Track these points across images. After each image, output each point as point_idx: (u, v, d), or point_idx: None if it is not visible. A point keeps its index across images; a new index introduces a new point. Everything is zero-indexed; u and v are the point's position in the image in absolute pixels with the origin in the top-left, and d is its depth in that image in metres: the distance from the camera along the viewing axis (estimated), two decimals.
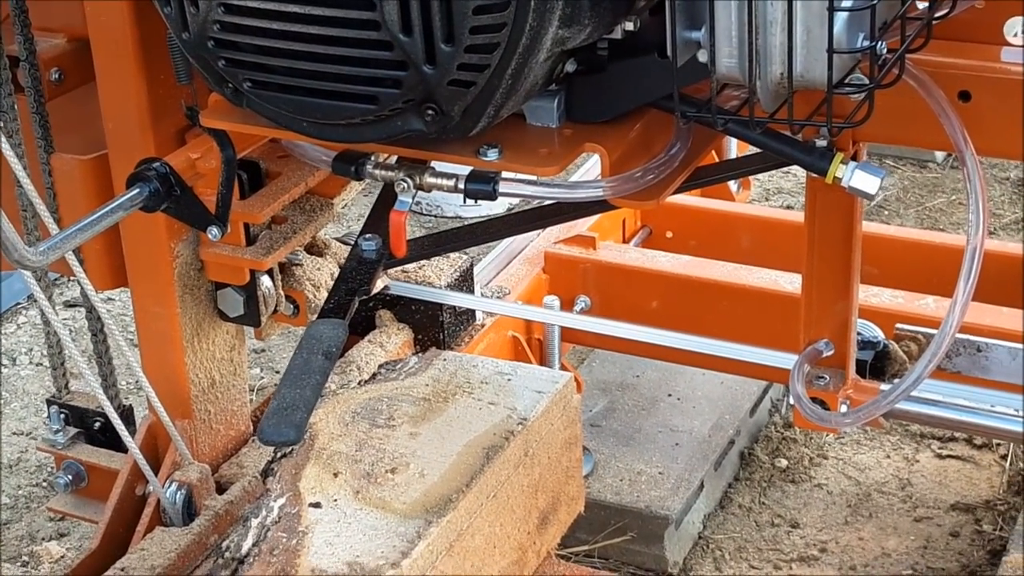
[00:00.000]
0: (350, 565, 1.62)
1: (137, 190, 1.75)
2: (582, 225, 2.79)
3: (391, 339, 2.37)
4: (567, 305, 2.71)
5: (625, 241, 2.99)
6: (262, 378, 3.37)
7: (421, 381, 1.92)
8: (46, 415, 2.96)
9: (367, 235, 1.65)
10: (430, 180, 1.59)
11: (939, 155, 4.27)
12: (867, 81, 1.45)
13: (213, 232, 1.83)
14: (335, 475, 1.75)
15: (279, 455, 1.79)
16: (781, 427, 3.11)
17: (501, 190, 1.56)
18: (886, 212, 4.05)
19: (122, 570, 1.96)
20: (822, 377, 1.91)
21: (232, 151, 1.79)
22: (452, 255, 2.42)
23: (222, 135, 1.78)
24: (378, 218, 1.69)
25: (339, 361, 2.29)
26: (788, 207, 4.04)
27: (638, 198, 1.57)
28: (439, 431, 1.83)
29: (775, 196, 4.19)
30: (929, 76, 1.61)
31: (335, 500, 1.72)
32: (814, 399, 1.88)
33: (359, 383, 2.13)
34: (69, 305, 3.68)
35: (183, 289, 2.05)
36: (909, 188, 4.16)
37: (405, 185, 1.58)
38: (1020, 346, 2.03)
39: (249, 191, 1.99)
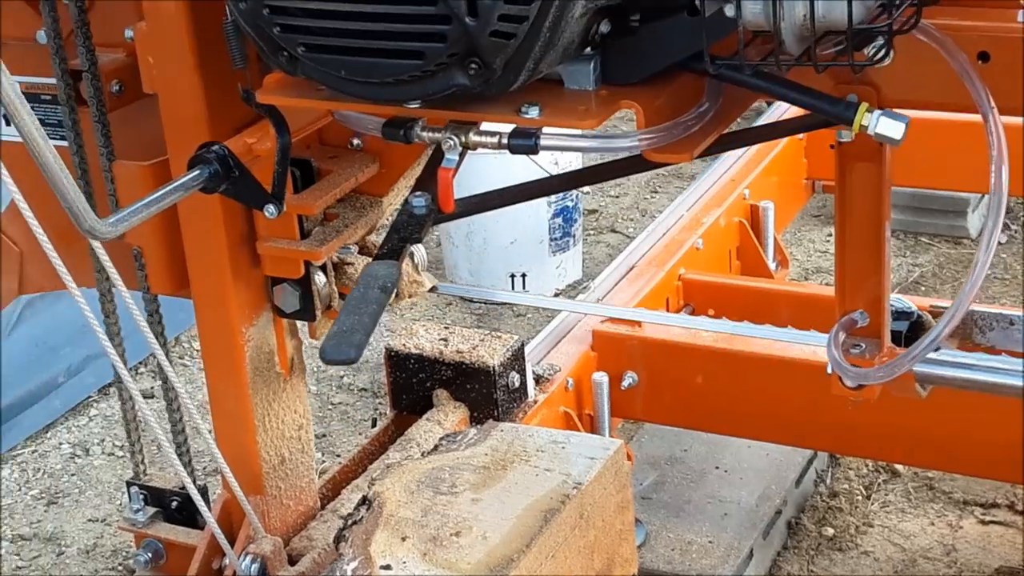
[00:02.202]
0: None
1: (198, 171, 1.82)
2: (628, 304, 2.95)
3: (448, 417, 2.49)
4: (615, 382, 2.82)
5: None
6: (323, 461, 3.47)
7: (480, 451, 2.05)
8: (126, 496, 3.10)
9: (417, 192, 1.71)
10: (475, 138, 1.65)
11: (972, 231, 4.34)
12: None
13: (270, 210, 1.89)
14: (403, 539, 1.86)
15: (350, 522, 1.91)
16: (827, 496, 3.19)
17: (543, 143, 1.62)
18: (923, 288, 4.14)
19: None
20: (858, 345, 1.95)
21: (287, 132, 1.85)
22: (504, 336, 2.55)
23: (278, 117, 1.84)
24: (427, 177, 1.76)
25: (399, 438, 2.44)
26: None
27: (671, 150, 1.62)
28: (499, 496, 1.94)
29: (814, 275, 4.27)
30: (949, 38, 1.66)
31: (404, 562, 1.82)
32: None
33: (422, 454, 2.23)
34: (145, 396, 3.81)
35: (254, 371, 2.13)
36: (944, 264, 4.25)
37: (452, 143, 1.65)
38: None
39: (302, 187, 2.06)
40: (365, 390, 3.91)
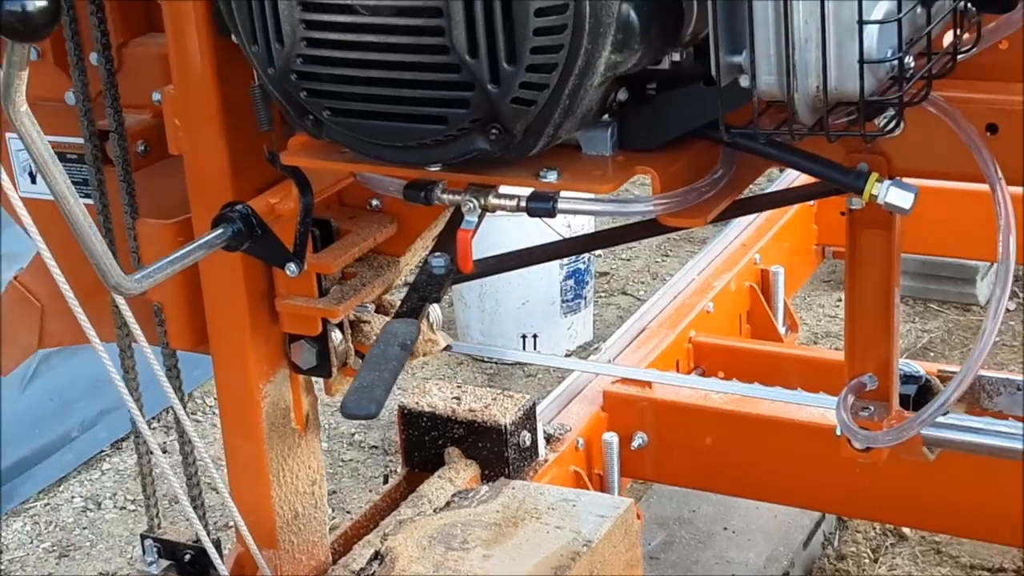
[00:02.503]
0: None
1: (221, 229, 1.86)
2: (639, 365, 2.99)
3: (459, 474, 2.50)
4: (625, 442, 2.86)
5: None
6: (334, 517, 3.50)
7: (492, 508, 2.10)
8: (137, 550, 3.14)
9: (436, 253, 1.75)
10: (494, 201, 1.69)
11: (981, 298, 4.39)
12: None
13: (291, 268, 1.93)
14: None
15: None
16: (834, 559, 3.22)
17: (560, 207, 1.66)
18: (932, 354, 4.18)
19: None
20: (867, 408, 1.98)
21: (310, 193, 1.90)
22: (516, 395, 2.58)
23: (302, 178, 1.88)
24: (446, 238, 1.80)
25: (411, 495, 2.45)
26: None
27: (686, 215, 1.66)
28: (510, 553, 1.98)
29: (823, 339, 4.31)
30: (958, 110, 1.71)
31: None
32: None
33: (434, 510, 2.26)
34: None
35: (270, 427, 2.16)
36: (953, 331, 4.29)
37: (472, 205, 1.69)
38: None
39: (321, 246, 2.10)
40: (376, 447, 3.95)
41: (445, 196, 1.72)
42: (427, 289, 1.70)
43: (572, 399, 2.93)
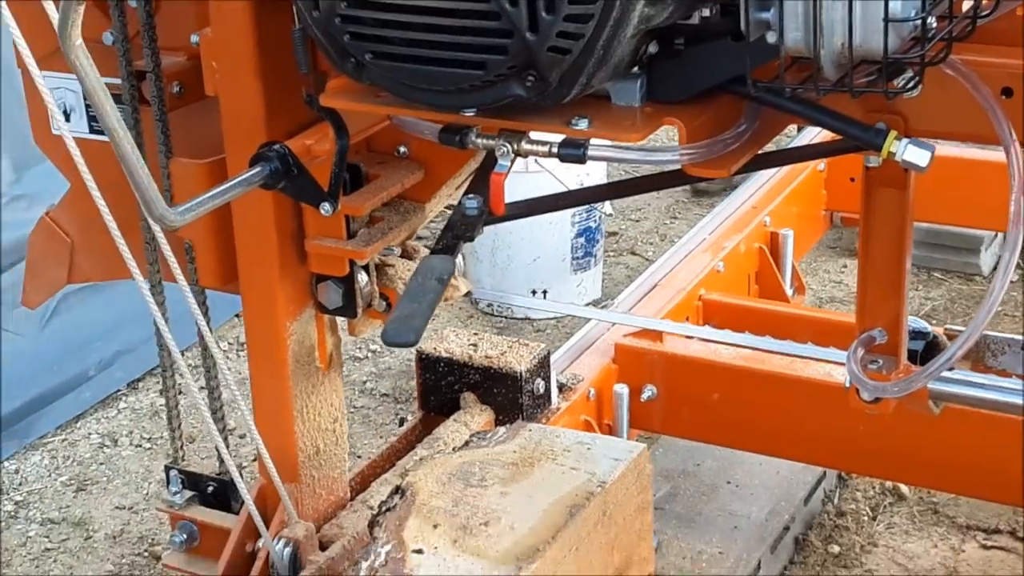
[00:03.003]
0: None
1: (260, 167, 1.92)
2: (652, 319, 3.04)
3: (474, 419, 2.59)
4: (635, 394, 2.92)
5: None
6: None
7: (509, 448, 2.13)
8: (152, 486, 3.22)
9: (470, 195, 1.81)
10: (527, 146, 1.75)
11: (985, 268, 4.44)
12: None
13: (326, 207, 1.98)
14: (435, 526, 1.94)
15: (384, 509, 1.99)
16: (834, 515, 3.28)
17: (590, 154, 1.71)
18: (934, 321, 4.22)
19: None
20: (875, 361, 2.05)
21: (346, 135, 1.94)
22: (531, 344, 2.65)
23: (338, 120, 1.93)
24: (479, 181, 1.85)
25: (427, 437, 2.52)
26: None
27: (710, 166, 1.71)
28: (526, 491, 2.02)
29: (828, 304, 4.37)
30: (975, 73, 1.75)
31: (435, 548, 1.91)
32: None
33: (453, 449, 2.32)
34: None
35: (295, 364, 2.22)
36: (956, 299, 4.34)
37: (505, 150, 1.74)
38: None
39: (350, 189, 2.15)
40: (387, 395, 4.01)
41: (480, 140, 1.78)
42: (461, 228, 1.76)
43: (584, 351, 2.99)
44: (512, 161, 1.75)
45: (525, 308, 4.35)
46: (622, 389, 2.89)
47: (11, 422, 3.80)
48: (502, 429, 2.19)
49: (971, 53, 1.76)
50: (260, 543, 2.24)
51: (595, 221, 4.38)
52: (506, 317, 4.41)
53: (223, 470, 2.41)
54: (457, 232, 1.76)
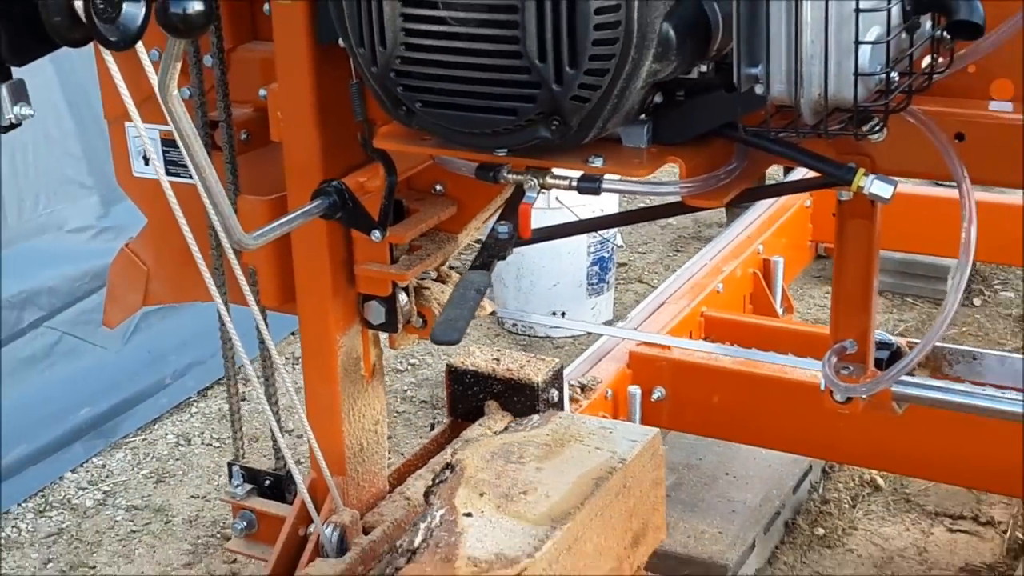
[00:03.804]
0: (496, 555, 1.94)
1: (320, 200, 2.02)
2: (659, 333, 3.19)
3: (496, 424, 2.63)
4: (646, 395, 3.07)
5: None
6: (389, 458, 3.66)
7: (543, 432, 2.27)
8: (223, 478, 3.35)
9: (502, 221, 1.93)
10: (551, 180, 1.86)
11: None
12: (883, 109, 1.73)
13: (376, 234, 2.07)
14: (481, 495, 2.07)
15: (437, 482, 2.14)
16: (819, 503, 3.41)
17: (604, 187, 1.83)
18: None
19: None
20: (847, 367, 2.17)
21: (395, 173, 2.05)
22: (547, 359, 2.71)
23: (388, 160, 2.03)
24: (510, 210, 1.96)
25: (454, 439, 2.59)
26: None
27: (706, 197, 1.82)
28: (558, 467, 2.15)
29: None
30: (932, 120, 1.87)
31: (482, 512, 2.03)
32: None
33: (495, 433, 2.43)
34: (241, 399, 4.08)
35: (343, 373, 2.29)
36: (926, 321, 4.46)
37: (532, 183, 1.86)
38: (1009, 355, 2.30)
39: (394, 221, 2.27)
40: (425, 402, 4.12)
41: (511, 176, 1.89)
42: (494, 249, 1.88)
43: (602, 357, 3.13)
44: (538, 193, 1.87)
45: (546, 328, 4.46)
46: (635, 390, 3.03)
47: (99, 423, 3.98)
48: (536, 416, 2.33)
49: (929, 103, 1.87)
50: (311, 528, 2.31)
51: (608, 251, 4.50)
52: (529, 336, 4.53)
53: (278, 466, 2.51)
54: (492, 252, 1.88)
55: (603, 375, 3.02)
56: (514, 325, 4.56)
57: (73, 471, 3.83)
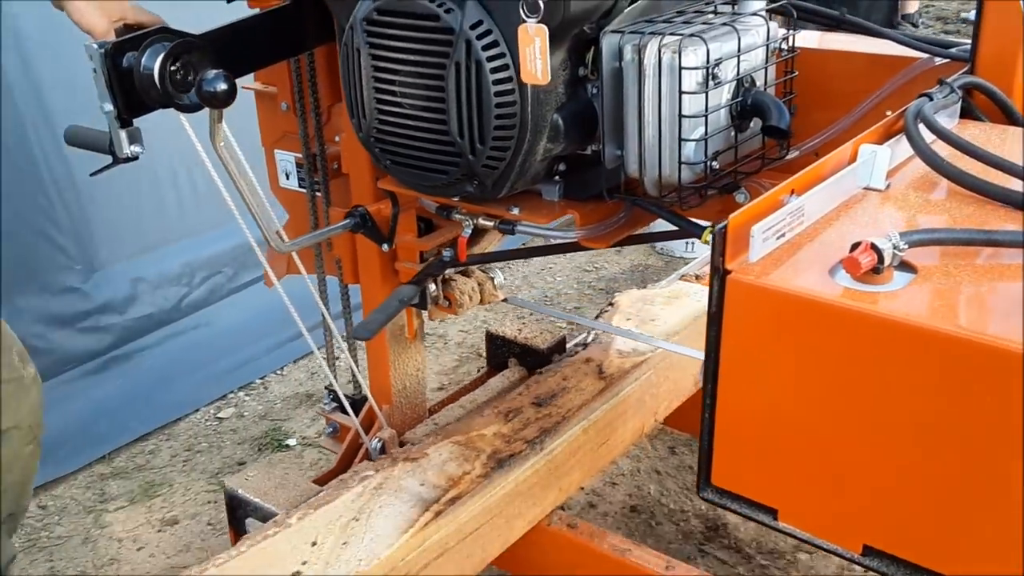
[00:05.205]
0: (633, 349, 2.45)
1: (347, 220, 2.10)
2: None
3: (515, 374, 2.67)
4: None
5: None
6: (443, 388, 3.61)
7: (666, 291, 2.81)
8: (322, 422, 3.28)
9: (447, 248, 1.93)
10: (482, 221, 1.88)
11: None
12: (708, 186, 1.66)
13: (384, 246, 2.13)
14: (627, 319, 2.58)
15: (601, 312, 2.62)
16: None
17: (518, 230, 1.84)
18: None
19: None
20: None
21: (397, 204, 2.10)
22: (555, 331, 2.68)
23: (394, 196, 2.09)
24: (453, 240, 1.98)
25: (483, 383, 2.60)
26: None
27: (594, 240, 1.82)
28: (673, 308, 2.67)
29: None
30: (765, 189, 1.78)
31: (627, 326, 2.54)
32: None
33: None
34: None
35: (391, 334, 2.35)
36: None
37: (468, 222, 1.88)
38: None
39: (424, 233, 2.31)
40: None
41: (457, 216, 1.92)
42: (434, 268, 1.89)
43: None
44: (472, 228, 1.86)
45: (680, 251, 4.22)
46: None
47: (234, 367, 3.73)
48: (664, 280, 2.81)
49: (778, 175, 1.78)
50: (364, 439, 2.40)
51: None
52: (669, 254, 4.26)
53: (355, 393, 2.60)
54: (429, 271, 1.89)
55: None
56: (661, 250, 4.30)
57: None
